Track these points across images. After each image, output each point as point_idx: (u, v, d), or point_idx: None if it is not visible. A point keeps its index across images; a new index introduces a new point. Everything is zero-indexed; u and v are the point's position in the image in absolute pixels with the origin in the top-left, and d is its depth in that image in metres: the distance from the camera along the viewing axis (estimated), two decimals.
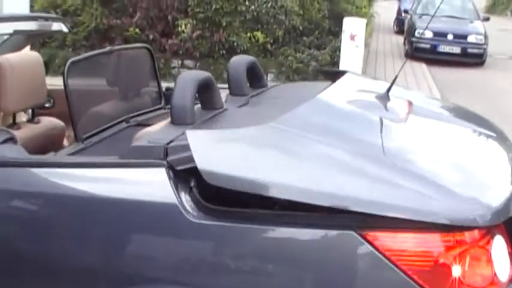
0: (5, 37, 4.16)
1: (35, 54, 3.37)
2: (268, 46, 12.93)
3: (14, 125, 3.22)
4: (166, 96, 4.00)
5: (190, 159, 2.38)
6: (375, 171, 2.32)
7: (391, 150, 2.50)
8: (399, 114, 2.93)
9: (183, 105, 2.75)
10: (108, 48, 3.53)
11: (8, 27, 3.80)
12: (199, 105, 3.05)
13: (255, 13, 12.60)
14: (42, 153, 3.31)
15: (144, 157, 2.51)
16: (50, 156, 2.88)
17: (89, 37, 13.34)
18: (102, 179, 2.55)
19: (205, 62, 12.59)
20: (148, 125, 3.48)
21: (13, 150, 2.81)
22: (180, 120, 2.74)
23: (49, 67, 13.39)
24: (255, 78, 3.61)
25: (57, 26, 4.15)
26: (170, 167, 2.44)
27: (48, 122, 3.43)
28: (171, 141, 2.54)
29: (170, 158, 2.46)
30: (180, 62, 12.81)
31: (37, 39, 4.40)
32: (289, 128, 2.52)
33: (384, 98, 3.05)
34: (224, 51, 12.54)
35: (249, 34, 12.81)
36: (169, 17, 12.68)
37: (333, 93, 3.09)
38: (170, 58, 12.73)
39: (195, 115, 2.79)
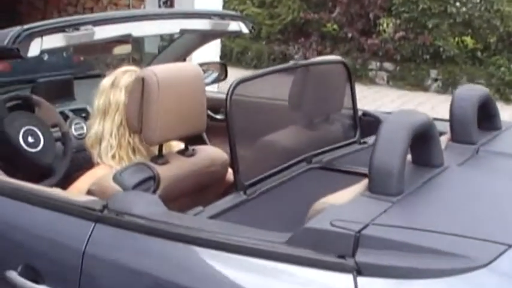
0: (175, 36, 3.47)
1: (192, 66, 2.57)
2: (478, 53, 11.60)
3: (160, 157, 2.43)
4: (362, 124, 3.09)
5: (392, 271, 1.50)
6: None
7: None
8: None
9: (388, 167, 1.82)
10: (292, 62, 2.66)
11: (175, 26, 3.07)
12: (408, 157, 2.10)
13: (466, 16, 11.32)
14: (195, 197, 2.53)
15: (322, 248, 1.63)
16: (185, 219, 2.01)
17: (284, 31, 12.73)
18: (252, 271, 1.71)
19: (406, 67, 11.53)
20: (337, 171, 2.60)
21: (145, 202, 2.02)
22: (381, 188, 1.82)
23: (241, 60, 12.98)
24: (486, 117, 2.59)
25: (236, 25, 3.36)
26: (360, 273, 1.55)
27: (206, 154, 2.60)
28: (366, 226, 1.64)
29: (361, 257, 1.56)
30: (378, 64, 11.82)
31: (212, 40, 3.64)
32: None
33: None
34: (428, 56, 11.42)
35: (456, 39, 11.56)
36: (371, 15, 11.76)
37: None
38: (368, 59, 11.80)
39: (404, 181, 1.85)
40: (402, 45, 11.48)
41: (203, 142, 3.40)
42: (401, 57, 11.54)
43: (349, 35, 11.90)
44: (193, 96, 2.45)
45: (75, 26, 2.60)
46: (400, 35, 11.38)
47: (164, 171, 2.36)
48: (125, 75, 2.60)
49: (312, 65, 2.74)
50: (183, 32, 3.10)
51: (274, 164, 2.49)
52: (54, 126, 3.26)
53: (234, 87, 2.26)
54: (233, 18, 3.37)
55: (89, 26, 2.65)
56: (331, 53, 12.12)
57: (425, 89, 11.31)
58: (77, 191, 2.44)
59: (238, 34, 3.51)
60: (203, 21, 3.18)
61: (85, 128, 3.36)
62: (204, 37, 3.65)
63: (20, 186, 2.30)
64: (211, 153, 2.64)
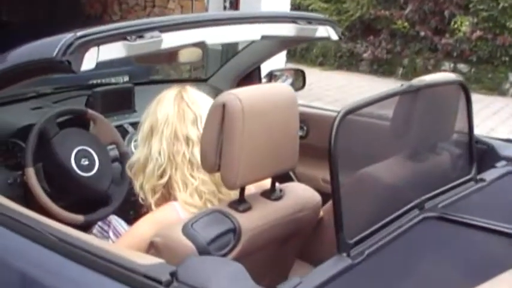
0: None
1: (284, 88, 2.05)
2: None
3: (242, 202, 1.94)
4: (479, 155, 2.55)
5: None
6: None
7: None
8: None
9: None
10: (406, 84, 2.13)
11: (255, 32, 2.58)
12: None
13: None
14: (277, 248, 2.04)
15: None
16: None
17: (352, 27, 12.17)
18: None
19: (483, 69, 10.81)
20: (459, 223, 2.06)
21: (227, 274, 1.53)
22: None
23: (305, 56, 12.42)
24: None
25: (324, 31, 2.84)
26: None
27: (297, 196, 2.09)
28: None
29: None
30: (452, 66, 11.12)
31: (292, 46, 3.16)
32: None
33: None
34: (507, 58, 10.67)
35: None
36: (446, 13, 11.05)
37: None
38: (441, 60, 11.13)
39: None
40: (479, 46, 10.76)
41: (288, 177, 2.90)
42: (478, 59, 10.83)
43: (421, 33, 11.26)
44: (286, 126, 1.94)
45: (139, 33, 2.12)
46: (477, 34, 10.67)
47: (246, 221, 1.88)
48: (169, 90, 2.14)
49: (428, 87, 2.21)
50: (264, 38, 2.61)
51: (382, 212, 1.98)
52: (110, 144, 2.82)
53: (340, 121, 1.75)
54: (321, 22, 2.86)
55: (156, 33, 2.17)
56: (401, 52, 11.52)
57: (503, 93, 10.57)
58: (137, 240, 1.97)
59: (326, 40, 3.00)
60: (287, 26, 2.69)
61: None
62: (284, 43, 3.17)
63: (63, 234, 1.81)
64: (302, 194, 2.13)
